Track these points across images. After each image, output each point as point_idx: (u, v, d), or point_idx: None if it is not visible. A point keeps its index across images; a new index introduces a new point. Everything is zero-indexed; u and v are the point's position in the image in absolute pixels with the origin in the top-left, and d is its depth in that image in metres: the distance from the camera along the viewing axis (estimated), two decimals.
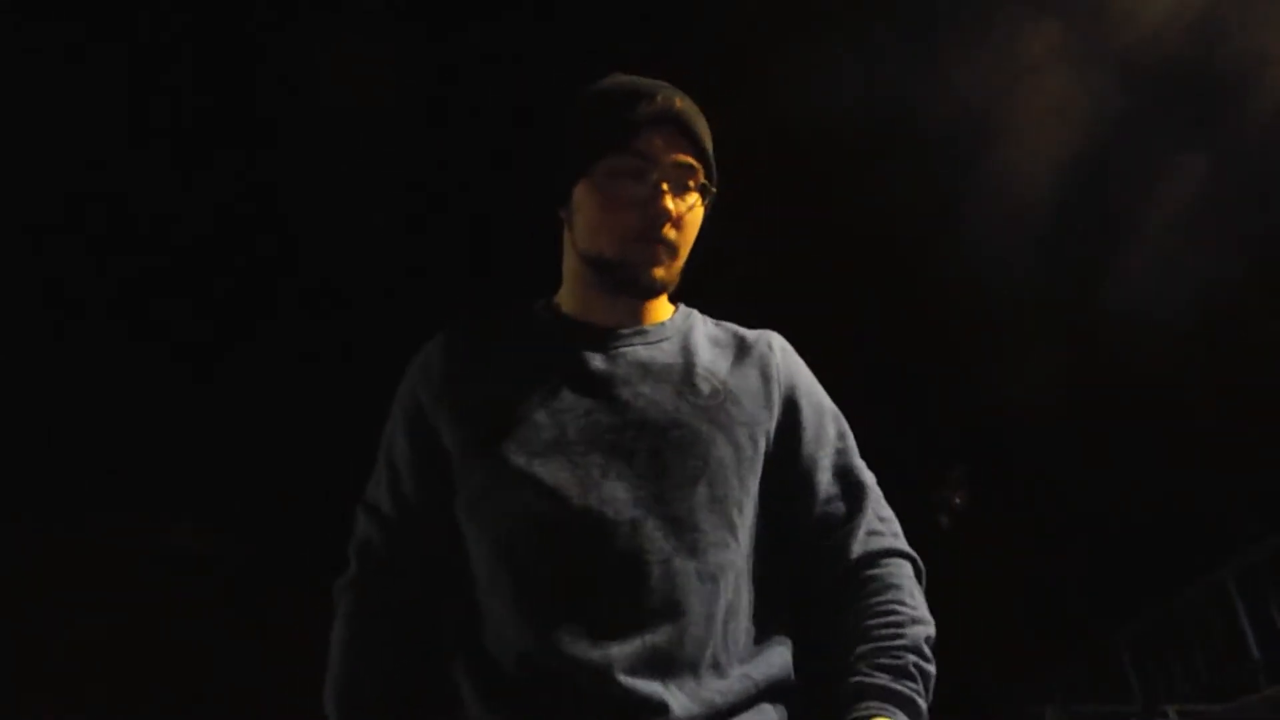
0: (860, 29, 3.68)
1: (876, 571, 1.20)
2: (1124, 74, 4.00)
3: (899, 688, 1.10)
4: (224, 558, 5.65)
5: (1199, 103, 4.15)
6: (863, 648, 1.14)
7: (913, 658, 1.12)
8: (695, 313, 1.36)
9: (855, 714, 1.08)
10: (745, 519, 1.18)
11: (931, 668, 1.14)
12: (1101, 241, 4.84)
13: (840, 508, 1.24)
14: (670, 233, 1.20)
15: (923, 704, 1.11)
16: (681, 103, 1.22)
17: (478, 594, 1.16)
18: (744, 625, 1.16)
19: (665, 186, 1.19)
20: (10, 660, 5.05)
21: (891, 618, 1.16)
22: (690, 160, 1.21)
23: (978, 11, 3.70)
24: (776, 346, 1.31)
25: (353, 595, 1.23)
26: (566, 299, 1.31)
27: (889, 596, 1.17)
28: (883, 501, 1.29)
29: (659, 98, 1.21)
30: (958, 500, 6.80)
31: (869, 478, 1.30)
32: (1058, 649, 8.33)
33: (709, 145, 1.23)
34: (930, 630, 1.17)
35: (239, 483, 5.28)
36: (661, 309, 1.31)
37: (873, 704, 1.08)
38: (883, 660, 1.12)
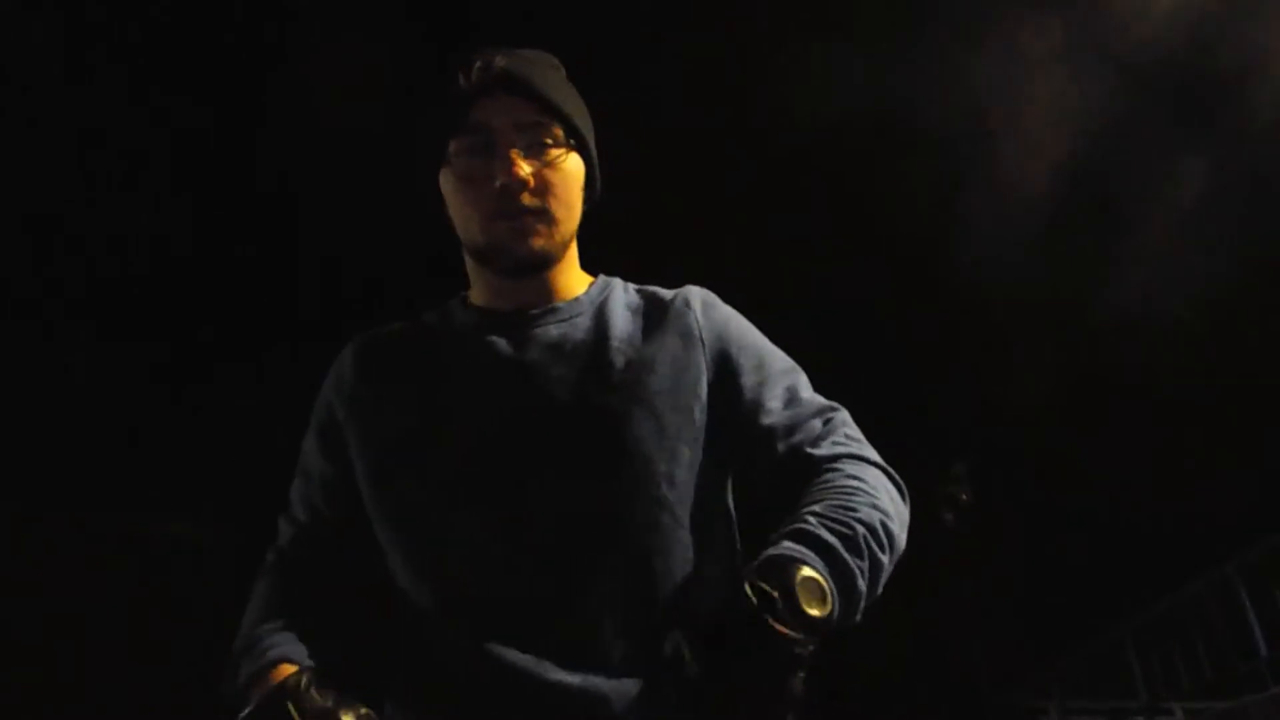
0: (860, 28, 3.66)
1: (841, 466, 1.11)
2: (1126, 75, 3.99)
3: (843, 554, 0.97)
4: (222, 550, 5.65)
5: (1203, 103, 4.13)
6: (812, 506, 1.03)
7: (863, 530, 1.01)
8: (616, 281, 1.29)
9: (780, 550, 0.96)
10: (680, 492, 1.11)
11: (884, 557, 1.02)
12: (1107, 240, 4.82)
13: (802, 435, 1.15)
14: (531, 200, 1.12)
15: (863, 587, 0.98)
16: (507, 60, 1.14)
17: (402, 601, 1.11)
18: (697, 596, 1.09)
19: (513, 153, 1.11)
20: (9, 655, 5.06)
21: (851, 497, 1.05)
22: (534, 117, 1.14)
23: (978, 11, 3.69)
24: (695, 302, 1.24)
25: (268, 580, 1.20)
26: (474, 290, 1.25)
27: (851, 484, 1.07)
28: (852, 424, 1.20)
29: (478, 64, 1.12)
30: (963, 496, 6.78)
31: (829, 403, 1.21)
32: (1062, 644, 8.32)
33: (556, 96, 1.16)
34: (892, 525, 1.05)
35: (237, 476, 5.29)
36: (575, 282, 1.24)
37: (804, 550, 0.96)
38: (831, 524, 1.00)
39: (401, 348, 1.22)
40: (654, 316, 1.22)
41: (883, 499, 1.07)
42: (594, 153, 1.21)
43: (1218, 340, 5.16)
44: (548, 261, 1.18)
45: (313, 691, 0.96)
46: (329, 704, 0.95)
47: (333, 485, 1.19)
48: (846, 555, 0.98)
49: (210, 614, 5.30)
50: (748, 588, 0.90)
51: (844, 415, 1.20)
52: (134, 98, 3.61)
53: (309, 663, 1.04)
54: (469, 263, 1.24)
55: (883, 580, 1.04)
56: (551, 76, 1.18)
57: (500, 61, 1.12)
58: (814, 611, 0.90)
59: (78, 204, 4.00)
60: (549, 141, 1.14)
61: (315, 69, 3.64)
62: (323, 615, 1.13)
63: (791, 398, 1.19)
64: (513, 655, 1.01)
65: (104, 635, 5.36)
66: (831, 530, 0.99)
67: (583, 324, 1.19)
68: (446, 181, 1.17)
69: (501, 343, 1.16)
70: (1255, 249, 4.75)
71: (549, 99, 1.14)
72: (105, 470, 5.30)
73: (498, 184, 1.11)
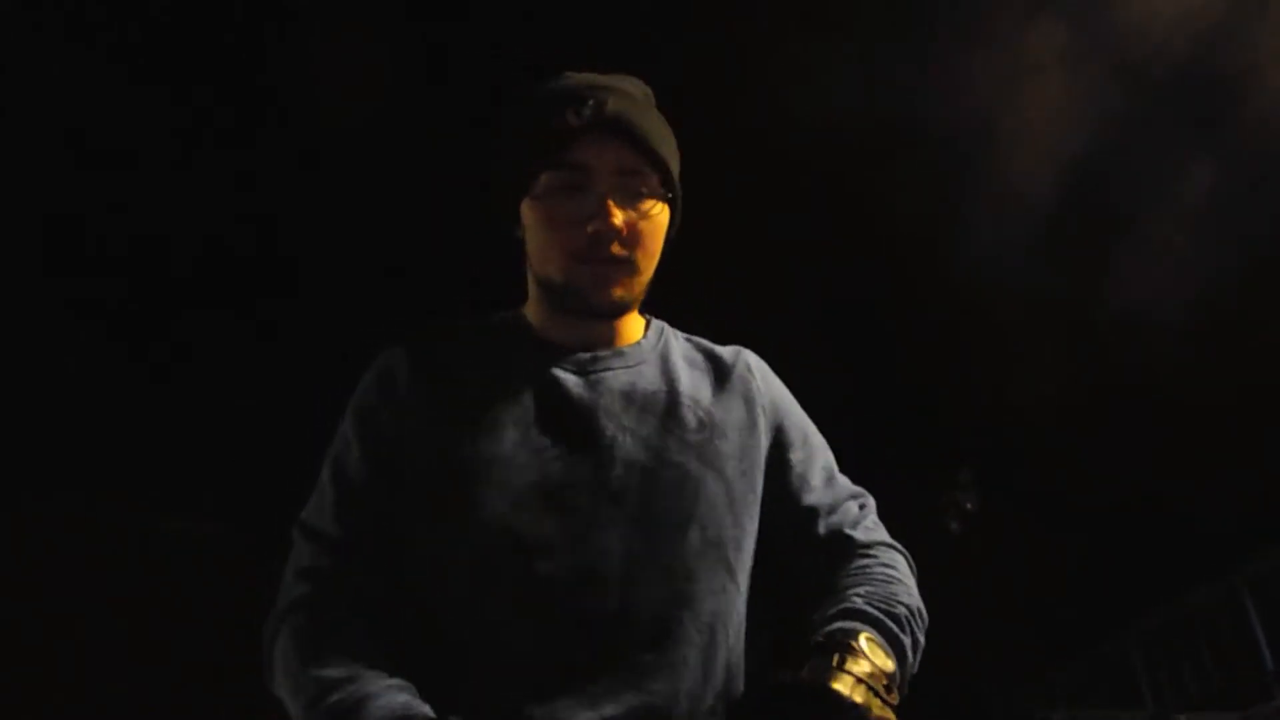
0: (861, 28, 3.65)
1: (876, 553, 1.16)
2: (1129, 76, 3.97)
3: (891, 626, 1.02)
4: (224, 547, 5.65)
5: (1206, 105, 4.11)
6: (857, 589, 1.07)
7: (905, 611, 1.06)
8: (667, 328, 1.28)
9: (836, 625, 0.99)
10: (744, 559, 1.11)
11: (922, 639, 1.08)
12: (1111, 242, 4.79)
13: (841, 517, 1.19)
14: (620, 250, 1.09)
15: (910, 660, 1.03)
16: (617, 104, 1.10)
17: (446, 644, 1.03)
18: (746, 673, 1.09)
19: (610, 200, 1.08)
20: (9, 655, 5.06)
21: (889, 585, 1.10)
22: (636, 165, 1.10)
23: (980, 13, 3.68)
24: (755, 368, 1.25)
25: (303, 614, 1.06)
26: (535, 317, 1.21)
27: (886, 573, 1.12)
28: (876, 513, 1.26)
29: (590, 103, 1.08)
30: (968, 505, 6.75)
31: (858, 488, 1.26)
32: (1067, 653, 8.27)
33: (660, 147, 1.12)
34: (924, 613, 1.11)
35: (239, 474, 5.29)
36: (634, 326, 1.23)
37: (859, 624, 0.99)
38: (877, 602, 1.04)
39: (455, 358, 1.16)
40: (717, 376, 1.21)
41: (912, 586, 1.14)
42: (680, 201, 1.19)
43: (1233, 342, 5.12)
44: (623, 310, 1.16)
45: None
46: None
47: (379, 495, 1.10)
48: (893, 625, 1.02)
49: (211, 613, 5.30)
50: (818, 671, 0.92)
51: (872, 502, 1.25)
52: (133, 94, 3.62)
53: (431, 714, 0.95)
54: (536, 295, 1.20)
55: (919, 658, 1.09)
56: (655, 120, 1.15)
57: (613, 105, 1.09)
58: (887, 664, 0.95)
59: (76, 203, 4.01)
60: (645, 191, 1.11)
61: (314, 68, 3.64)
62: (390, 651, 1.02)
63: (830, 477, 1.22)
64: (569, 715, 0.96)
65: (104, 635, 5.35)
66: (875, 606, 1.04)
67: (648, 373, 1.17)
68: (532, 213, 1.13)
69: (571, 380, 1.13)
70: (1265, 248, 4.73)
71: (654, 149, 1.11)
72: (105, 468, 5.30)
73: (590, 229, 1.08)
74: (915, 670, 1.07)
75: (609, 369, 1.15)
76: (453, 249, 4.49)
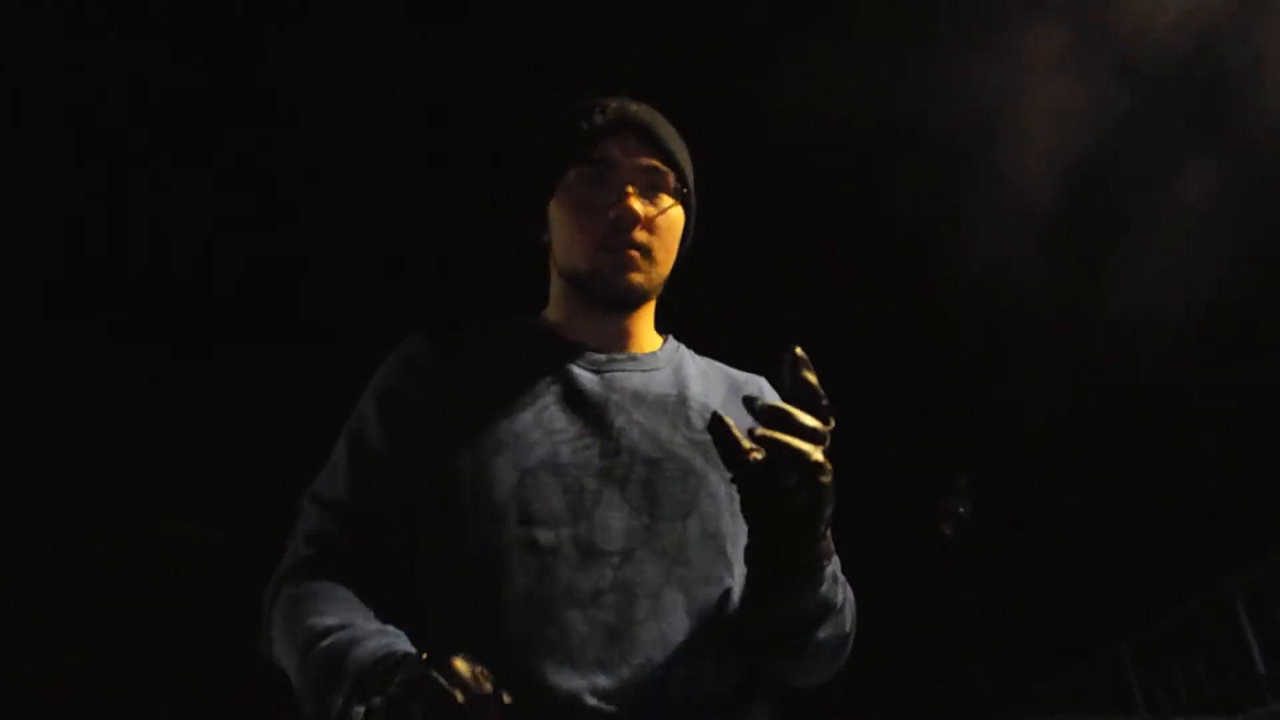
0: (863, 28, 3.66)
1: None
2: (1132, 77, 3.98)
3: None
4: (223, 549, 5.66)
5: (1209, 105, 4.12)
6: None
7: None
8: (683, 346, 1.35)
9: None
10: (739, 553, 1.13)
11: (850, 607, 1.16)
12: (1108, 245, 4.80)
13: None
14: (641, 236, 1.19)
15: (846, 612, 1.12)
16: (637, 108, 1.22)
17: (446, 608, 1.09)
18: (742, 665, 1.12)
19: (630, 189, 1.18)
20: (10, 655, 5.06)
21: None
22: (655, 164, 1.21)
23: (983, 14, 3.69)
24: (768, 392, 1.31)
25: (306, 572, 1.12)
26: (555, 317, 1.29)
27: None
28: None
29: (613, 105, 1.21)
30: (962, 510, 6.77)
31: None
32: (1061, 659, 8.29)
33: (676, 150, 1.23)
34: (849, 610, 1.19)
35: (238, 476, 5.29)
36: (650, 338, 1.30)
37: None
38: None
39: (477, 347, 1.24)
40: (728, 389, 1.29)
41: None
42: (695, 210, 1.29)
43: (1228, 348, 5.13)
44: (642, 298, 1.24)
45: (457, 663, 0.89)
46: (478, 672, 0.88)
47: (394, 467, 1.16)
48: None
49: (211, 614, 5.31)
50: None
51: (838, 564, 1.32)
52: (134, 92, 3.63)
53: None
54: (560, 293, 1.28)
55: (847, 615, 1.15)
56: (671, 129, 1.25)
57: (634, 108, 1.21)
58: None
59: (76, 202, 4.01)
60: (662, 187, 1.21)
61: (314, 67, 3.65)
62: (391, 612, 1.07)
63: None
64: (560, 682, 1.00)
65: (104, 635, 5.36)
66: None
67: (661, 378, 1.24)
68: (558, 208, 1.23)
69: (586, 375, 1.20)
70: (1266, 250, 4.73)
71: (671, 151, 1.23)
72: (105, 470, 5.31)
73: (611, 215, 1.18)
74: (843, 621, 1.12)
75: (623, 370, 1.22)
76: (454, 250, 4.50)
